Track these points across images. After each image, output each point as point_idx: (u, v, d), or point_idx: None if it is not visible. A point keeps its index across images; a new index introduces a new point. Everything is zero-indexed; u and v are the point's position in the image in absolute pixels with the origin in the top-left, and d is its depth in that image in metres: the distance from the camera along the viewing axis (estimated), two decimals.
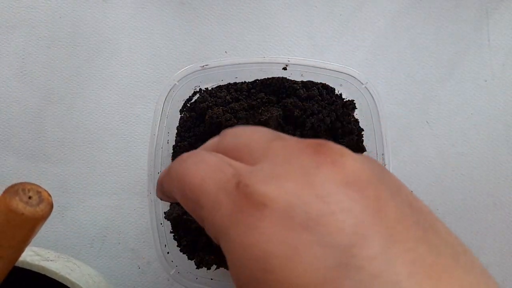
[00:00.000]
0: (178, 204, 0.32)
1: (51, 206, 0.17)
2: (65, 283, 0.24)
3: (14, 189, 0.16)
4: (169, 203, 0.32)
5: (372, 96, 0.33)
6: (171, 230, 0.32)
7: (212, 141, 0.21)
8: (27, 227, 0.16)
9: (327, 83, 0.34)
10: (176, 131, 0.34)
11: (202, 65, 0.33)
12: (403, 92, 0.41)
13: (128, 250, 0.38)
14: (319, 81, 0.34)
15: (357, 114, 0.34)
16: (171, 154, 0.34)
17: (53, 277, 0.24)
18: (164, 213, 0.32)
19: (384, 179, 0.16)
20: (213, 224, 0.16)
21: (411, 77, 0.41)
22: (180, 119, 0.34)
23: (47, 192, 0.17)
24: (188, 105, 0.34)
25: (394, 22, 0.41)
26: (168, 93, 0.33)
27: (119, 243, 0.38)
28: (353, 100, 0.34)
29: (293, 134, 0.32)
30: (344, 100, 0.34)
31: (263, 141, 0.17)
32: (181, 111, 0.34)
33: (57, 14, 0.40)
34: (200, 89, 0.34)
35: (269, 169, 0.15)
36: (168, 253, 0.32)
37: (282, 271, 0.13)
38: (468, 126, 0.40)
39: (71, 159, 0.39)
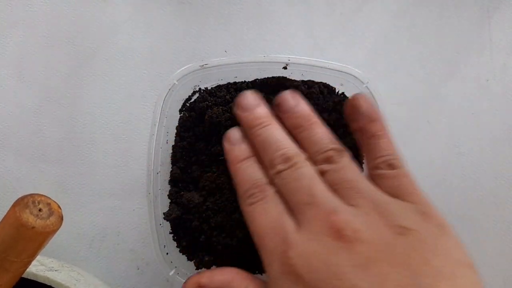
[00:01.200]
0: (177, 204, 0.32)
1: (61, 219, 0.16)
2: None
3: (24, 202, 0.15)
4: (168, 203, 0.32)
5: (373, 96, 0.33)
6: (171, 231, 0.32)
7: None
8: (37, 241, 0.15)
9: (327, 83, 0.34)
10: (175, 131, 0.34)
11: (202, 64, 0.33)
12: (404, 91, 0.40)
13: (127, 251, 0.38)
14: (319, 81, 0.34)
15: None
16: (170, 154, 0.33)
17: None
18: (164, 213, 0.31)
19: None
20: (267, 272, 0.23)
21: (412, 77, 0.40)
22: (180, 119, 0.34)
23: (56, 204, 0.16)
24: (188, 104, 0.34)
25: (395, 21, 0.41)
26: (168, 92, 0.33)
27: (118, 244, 0.38)
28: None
29: None
30: (345, 99, 0.33)
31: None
32: (180, 110, 0.34)
33: (56, 13, 0.40)
34: (200, 88, 0.34)
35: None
36: (167, 253, 0.32)
37: None
38: (470, 125, 0.40)
39: (70, 159, 0.39)
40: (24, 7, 0.40)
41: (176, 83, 0.33)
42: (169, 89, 0.33)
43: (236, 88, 0.33)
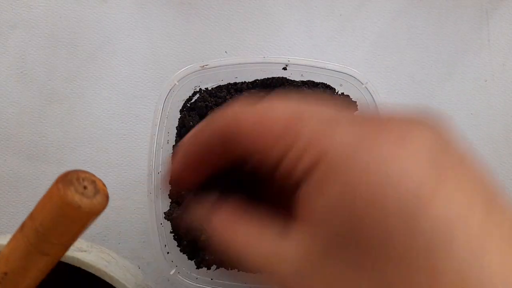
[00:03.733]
0: (178, 204, 0.32)
1: (107, 198, 0.14)
2: (103, 277, 0.21)
3: (68, 178, 0.13)
4: (169, 203, 0.32)
5: (372, 96, 0.33)
6: (171, 230, 0.32)
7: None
8: (81, 222, 0.14)
9: (327, 83, 0.34)
10: (176, 131, 0.34)
11: (202, 65, 0.33)
12: (403, 92, 0.40)
13: (128, 250, 0.38)
14: (319, 81, 0.34)
15: (357, 114, 0.34)
16: (171, 154, 0.34)
17: (89, 270, 0.21)
18: (164, 213, 0.32)
19: None
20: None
21: (411, 77, 0.41)
22: (180, 119, 0.34)
23: (101, 181, 0.14)
24: (188, 105, 0.34)
25: (394, 22, 0.41)
26: (168, 93, 0.33)
27: (119, 243, 0.38)
28: (355, 102, 0.34)
29: None
30: (347, 100, 0.33)
31: None
32: (181, 111, 0.34)
33: (57, 14, 0.40)
34: (200, 89, 0.34)
35: None
36: (168, 253, 0.32)
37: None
38: (468, 125, 0.40)
39: (71, 159, 0.39)
40: (25, 8, 0.40)
41: (177, 83, 0.33)
42: (170, 90, 0.33)
43: (237, 88, 0.34)
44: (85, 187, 0.14)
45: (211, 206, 0.17)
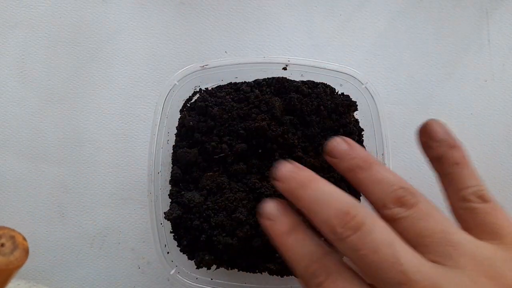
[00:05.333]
0: (178, 204, 0.32)
1: (26, 252, 0.14)
2: None
3: None
4: (168, 203, 0.33)
5: (372, 96, 0.33)
6: (171, 230, 0.32)
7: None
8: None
9: (327, 83, 0.34)
10: (176, 131, 0.34)
11: (202, 65, 0.33)
12: (403, 92, 0.41)
13: (128, 250, 0.38)
14: (319, 81, 0.34)
15: (357, 114, 0.34)
16: (171, 154, 0.34)
17: None
18: (164, 213, 0.32)
19: None
20: None
21: (411, 77, 0.41)
22: (180, 119, 0.34)
23: (21, 236, 0.14)
24: (188, 105, 0.34)
25: (394, 22, 0.41)
26: (168, 93, 0.33)
27: (119, 243, 0.38)
28: (355, 102, 0.34)
29: (295, 133, 0.32)
30: (346, 100, 0.33)
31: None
32: (181, 111, 0.34)
33: (57, 14, 0.40)
34: (200, 89, 0.34)
35: None
36: (168, 253, 0.32)
37: None
38: (468, 126, 0.40)
39: (71, 159, 0.39)
40: (26, 8, 0.40)
41: (177, 83, 0.33)
42: (170, 90, 0.33)
43: (237, 88, 0.34)
44: (2, 245, 0.14)
45: None
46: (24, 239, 0.14)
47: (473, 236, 0.20)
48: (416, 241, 0.20)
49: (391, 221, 0.21)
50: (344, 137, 0.24)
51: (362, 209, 0.20)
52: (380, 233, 0.19)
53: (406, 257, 0.19)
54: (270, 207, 0.23)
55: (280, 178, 0.23)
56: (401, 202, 0.21)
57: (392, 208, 0.21)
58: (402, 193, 0.21)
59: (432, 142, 0.24)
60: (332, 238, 0.20)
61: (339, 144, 0.24)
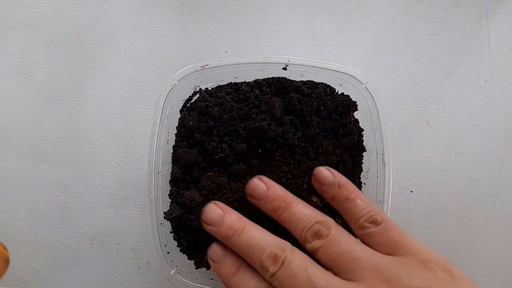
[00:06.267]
0: (178, 204, 0.32)
1: (7, 263, 0.13)
2: None
3: None
4: (168, 203, 0.32)
5: (372, 96, 0.33)
6: (171, 230, 0.32)
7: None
8: None
9: (327, 83, 0.34)
10: (176, 131, 0.34)
11: (202, 65, 0.33)
12: (403, 92, 0.41)
13: (128, 250, 0.38)
14: (319, 81, 0.34)
15: (357, 114, 0.34)
16: (171, 154, 0.34)
17: None
18: (164, 213, 0.32)
19: None
20: None
21: (411, 77, 0.41)
22: (180, 119, 0.34)
23: (2, 245, 0.13)
24: (188, 105, 0.34)
25: (394, 22, 0.41)
26: (168, 93, 0.33)
27: (119, 243, 0.38)
28: (355, 102, 0.34)
29: (295, 133, 0.32)
30: (346, 100, 0.33)
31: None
32: (181, 111, 0.34)
33: (57, 14, 0.40)
34: (200, 89, 0.34)
35: None
36: (168, 253, 0.32)
37: None
38: (468, 126, 0.40)
39: (71, 159, 0.39)
40: (25, 8, 0.40)
41: (177, 83, 0.33)
42: (170, 90, 0.33)
43: (237, 88, 0.34)
44: None
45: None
46: (5, 248, 0.13)
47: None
48: (331, 264, 0.24)
49: (313, 252, 0.25)
50: (260, 177, 0.28)
51: (287, 247, 0.25)
52: (298, 261, 0.24)
53: (318, 276, 0.23)
54: (214, 250, 0.28)
55: (210, 222, 0.27)
56: (317, 235, 0.25)
57: (311, 242, 0.25)
58: (317, 227, 0.25)
59: (323, 187, 0.28)
60: (266, 277, 0.25)
61: (258, 186, 0.28)
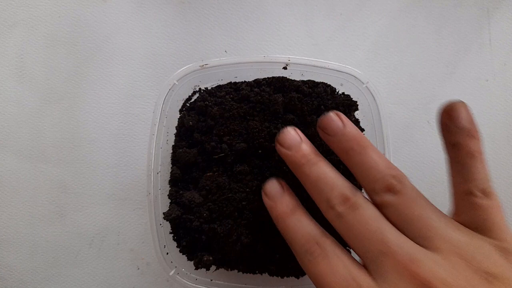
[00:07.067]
0: (177, 204, 0.32)
1: None
2: None
3: None
4: (168, 203, 0.32)
5: (373, 96, 0.33)
6: (171, 231, 0.32)
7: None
8: None
9: (327, 83, 0.34)
10: (175, 131, 0.34)
11: (202, 64, 0.33)
12: (404, 91, 0.40)
13: (127, 251, 0.38)
14: (319, 81, 0.34)
15: (358, 114, 0.34)
16: (170, 154, 0.33)
17: None
18: (164, 213, 0.31)
19: None
20: None
21: (412, 77, 0.40)
22: (180, 119, 0.34)
23: None
24: (188, 104, 0.34)
25: (395, 21, 0.41)
26: (168, 92, 0.33)
27: (118, 244, 0.38)
28: (356, 101, 0.33)
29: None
30: (347, 100, 0.33)
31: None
32: (180, 110, 0.34)
33: (56, 13, 0.40)
34: (200, 88, 0.34)
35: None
36: (167, 253, 0.32)
37: None
38: None
39: (70, 159, 0.39)
40: (24, 8, 0.40)
41: (176, 83, 0.33)
42: (169, 89, 0.33)
43: (236, 88, 0.33)
44: None
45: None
46: None
47: (456, 221, 0.23)
48: (402, 225, 0.22)
49: (381, 206, 0.23)
50: (338, 113, 0.25)
51: (358, 192, 0.23)
52: (370, 212, 0.22)
53: (391, 233, 0.21)
54: (271, 185, 0.26)
55: (287, 145, 0.25)
56: (389, 189, 0.23)
57: (382, 195, 0.23)
58: (390, 180, 0.23)
59: (453, 127, 0.23)
60: (330, 214, 0.23)
61: (334, 121, 0.25)
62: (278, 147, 0.26)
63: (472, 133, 0.23)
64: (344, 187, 0.23)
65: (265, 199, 0.26)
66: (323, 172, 0.24)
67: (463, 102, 0.24)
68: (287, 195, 0.26)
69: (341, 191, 0.23)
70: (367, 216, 0.22)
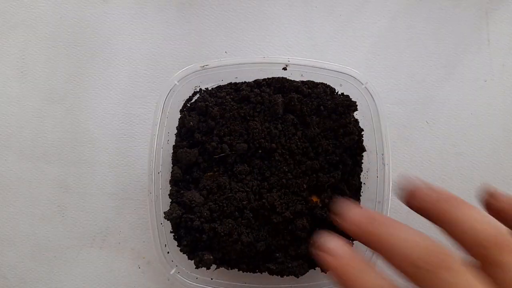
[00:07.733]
0: (178, 203, 0.32)
1: None
2: None
3: None
4: (169, 203, 0.33)
5: (372, 96, 0.33)
6: (171, 230, 0.32)
7: None
8: None
9: (327, 83, 0.34)
10: (176, 131, 0.34)
11: (202, 65, 0.33)
12: (403, 92, 0.41)
13: (128, 250, 0.38)
14: (319, 81, 0.34)
15: (357, 114, 0.34)
16: (171, 154, 0.34)
17: None
18: (164, 213, 0.32)
19: None
20: None
21: (411, 77, 0.41)
22: (180, 119, 0.34)
23: None
24: (188, 105, 0.34)
25: (394, 22, 0.41)
26: (168, 93, 0.33)
27: (119, 243, 0.38)
28: (355, 102, 0.34)
29: (295, 133, 0.32)
30: (346, 100, 0.34)
31: None
32: (181, 111, 0.34)
33: (58, 14, 0.40)
34: (200, 89, 0.34)
35: None
36: (168, 253, 0.32)
37: None
38: (468, 126, 0.40)
39: (71, 159, 0.39)
40: (26, 9, 0.40)
41: (177, 83, 0.33)
42: (170, 90, 0.33)
43: (237, 88, 0.34)
44: None
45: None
46: None
47: None
48: None
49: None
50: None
51: (452, 257, 0.20)
52: (466, 277, 0.19)
53: None
54: (334, 243, 0.21)
55: (350, 220, 0.22)
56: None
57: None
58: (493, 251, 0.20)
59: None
60: (413, 272, 0.19)
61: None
62: (335, 218, 0.23)
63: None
64: (430, 243, 0.20)
65: (323, 255, 0.21)
66: (401, 229, 0.22)
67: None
68: (352, 250, 0.22)
69: (429, 247, 0.20)
70: (462, 282, 0.18)
